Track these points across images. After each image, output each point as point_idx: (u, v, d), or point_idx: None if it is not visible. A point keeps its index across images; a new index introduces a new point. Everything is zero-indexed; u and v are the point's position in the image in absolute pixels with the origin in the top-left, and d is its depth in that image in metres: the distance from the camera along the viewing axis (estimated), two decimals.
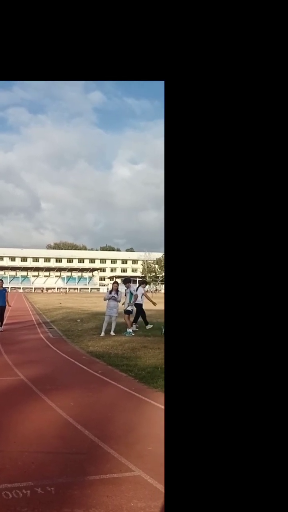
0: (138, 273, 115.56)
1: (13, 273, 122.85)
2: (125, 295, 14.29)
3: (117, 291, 13.96)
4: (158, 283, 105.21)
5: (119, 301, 13.91)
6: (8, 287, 61.97)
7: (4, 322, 15.98)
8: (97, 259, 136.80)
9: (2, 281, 16.24)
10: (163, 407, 5.50)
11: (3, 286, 15.89)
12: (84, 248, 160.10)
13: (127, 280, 14.99)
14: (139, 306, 14.99)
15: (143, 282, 16.14)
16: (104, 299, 14.28)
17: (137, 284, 15.80)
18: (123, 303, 14.26)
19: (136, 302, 14.79)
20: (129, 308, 14.00)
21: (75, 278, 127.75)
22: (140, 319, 15.29)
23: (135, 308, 14.63)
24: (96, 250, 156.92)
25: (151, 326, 14.97)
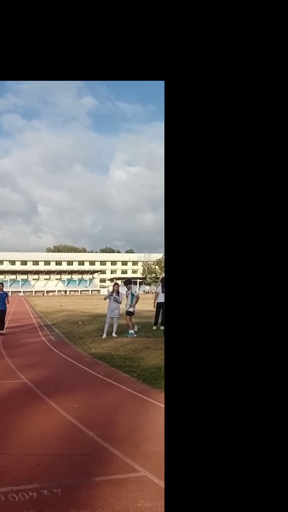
0: (139, 274, 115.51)
1: (13, 276, 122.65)
2: (127, 297, 14.27)
3: (118, 292, 13.96)
4: (158, 284, 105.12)
5: (120, 302, 13.90)
6: (9, 291, 61.98)
7: (5, 326, 15.95)
8: (97, 261, 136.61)
9: (2, 284, 16.21)
10: None
11: (3, 289, 15.87)
12: (84, 250, 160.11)
13: (128, 282, 14.97)
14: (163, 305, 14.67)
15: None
16: (104, 299, 14.34)
17: (159, 283, 15.71)
18: (125, 304, 14.24)
19: (159, 301, 14.80)
20: (131, 310, 13.96)
21: (76, 280, 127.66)
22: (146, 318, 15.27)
23: (136, 309, 14.58)
24: (96, 252, 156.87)
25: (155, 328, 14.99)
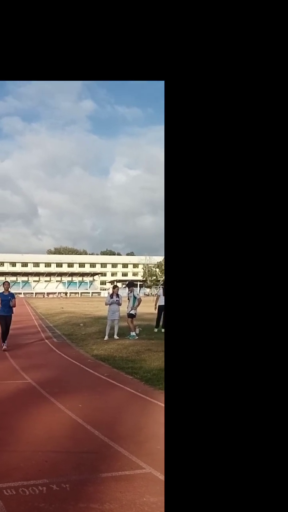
0: (139, 277, 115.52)
1: (14, 278, 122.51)
2: (128, 299, 14.37)
3: (117, 294, 14.08)
4: (159, 287, 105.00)
5: (120, 304, 14.01)
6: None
7: (8, 336, 12.45)
8: (98, 263, 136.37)
9: (9, 283, 13.24)
10: None
11: (9, 290, 12.61)
12: (84, 252, 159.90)
13: (130, 284, 15.10)
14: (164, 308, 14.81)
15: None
16: (106, 304, 14.40)
17: (161, 285, 15.83)
18: (127, 307, 14.33)
19: (160, 304, 14.93)
20: (132, 312, 14.07)
21: (76, 282, 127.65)
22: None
23: (137, 312, 14.68)
24: (97, 254, 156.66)
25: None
